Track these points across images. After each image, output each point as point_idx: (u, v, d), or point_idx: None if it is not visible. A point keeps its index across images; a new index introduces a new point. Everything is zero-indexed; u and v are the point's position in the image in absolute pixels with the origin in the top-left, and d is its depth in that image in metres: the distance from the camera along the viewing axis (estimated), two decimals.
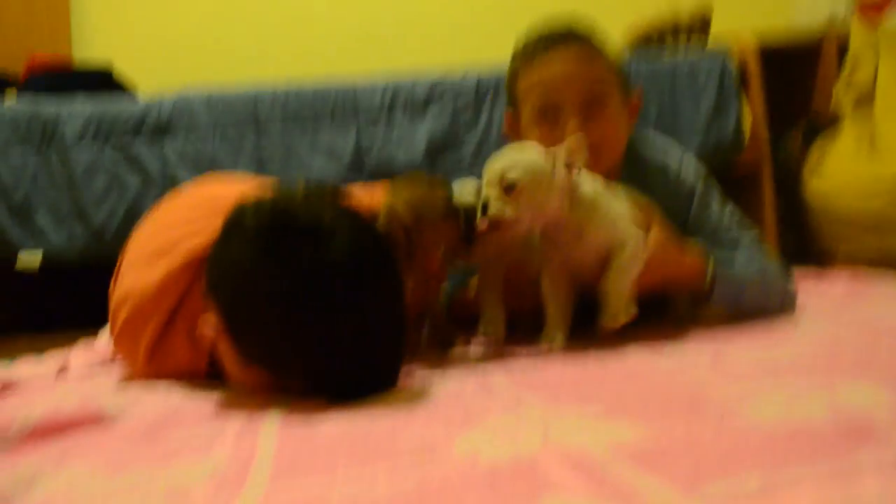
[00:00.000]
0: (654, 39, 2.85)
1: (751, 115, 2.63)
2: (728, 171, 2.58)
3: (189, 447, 0.81)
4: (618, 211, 1.23)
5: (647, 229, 1.26)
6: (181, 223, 1.23)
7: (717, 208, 1.46)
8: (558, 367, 1.08)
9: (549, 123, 1.39)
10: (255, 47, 3.44)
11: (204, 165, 2.49)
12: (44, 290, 2.78)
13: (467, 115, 2.58)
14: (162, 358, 1.21)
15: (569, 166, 1.18)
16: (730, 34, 2.77)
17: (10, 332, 2.42)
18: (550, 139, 1.37)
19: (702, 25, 2.88)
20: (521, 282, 1.32)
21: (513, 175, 1.15)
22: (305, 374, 0.98)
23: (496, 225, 1.16)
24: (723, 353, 1.06)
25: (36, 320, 2.61)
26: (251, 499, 0.64)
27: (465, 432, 0.78)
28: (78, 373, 1.43)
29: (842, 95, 2.69)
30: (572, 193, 1.19)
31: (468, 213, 1.18)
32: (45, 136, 2.48)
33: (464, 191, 1.23)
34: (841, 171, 2.58)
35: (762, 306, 1.38)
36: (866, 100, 2.60)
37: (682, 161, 1.49)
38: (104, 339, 1.62)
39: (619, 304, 1.17)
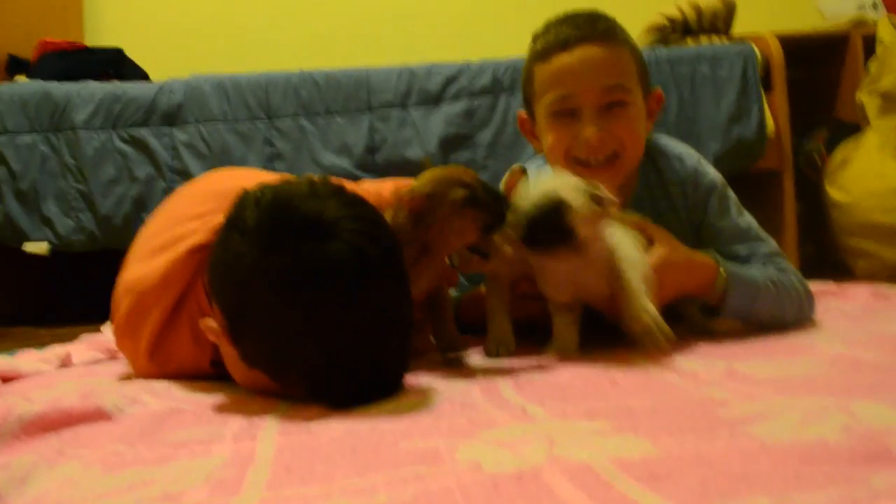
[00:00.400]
0: (673, 38, 2.83)
1: (773, 118, 2.60)
2: (747, 169, 2.57)
3: (186, 448, 0.81)
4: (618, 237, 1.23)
5: (650, 245, 1.26)
6: (187, 217, 1.23)
7: (734, 217, 1.44)
8: (566, 377, 1.07)
9: (566, 126, 1.37)
10: (267, 36, 3.44)
11: (214, 156, 2.49)
12: (50, 280, 2.79)
13: (482, 110, 2.57)
14: (165, 355, 1.21)
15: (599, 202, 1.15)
16: (752, 35, 2.74)
17: (14, 323, 2.43)
18: (566, 142, 1.36)
19: (724, 24, 2.85)
20: (531, 293, 1.31)
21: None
22: (305, 378, 0.98)
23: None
24: (736, 369, 1.05)
25: (41, 311, 2.63)
26: None
27: (468, 441, 0.77)
28: (79, 367, 1.43)
29: (866, 100, 2.66)
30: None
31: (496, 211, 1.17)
32: (55, 120, 2.50)
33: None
34: (862, 182, 2.55)
35: (777, 318, 1.36)
36: (892, 106, 2.57)
37: (699, 167, 1.46)
38: (107, 333, 1.63)
39: (637, 306, 1.16)
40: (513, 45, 2.51)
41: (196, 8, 3.48)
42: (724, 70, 2.58)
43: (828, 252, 2.76)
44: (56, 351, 1.50)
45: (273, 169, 2.46)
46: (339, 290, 0.93)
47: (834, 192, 2.65)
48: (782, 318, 1.37)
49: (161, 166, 2.49)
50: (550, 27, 1.41)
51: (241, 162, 2.49)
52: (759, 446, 0.69)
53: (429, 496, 0.62)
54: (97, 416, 0.98)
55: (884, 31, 2.67)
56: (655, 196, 1.45)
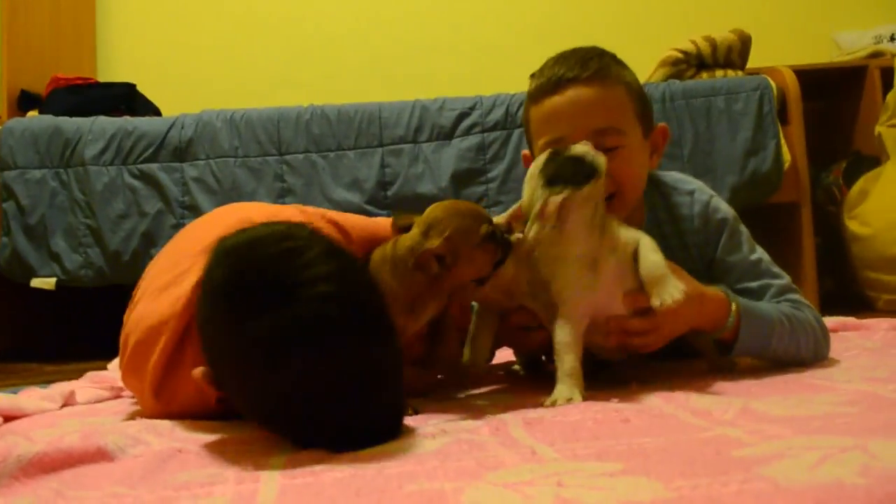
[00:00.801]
0: (688, 72, 2.84)
1: (789, 151, 2.60)
2: (763, 202, 2.56)
3: (188, 490, 0.81)
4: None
5: None
6: (193, 253, 1.23)
7: (746, 252, 1.43)
8: (577, 416, 1.06)
9: None
10: (278, 72, 3.49)
11: (224, 192, 2.51)
12: (55, 315, 2.80)
13: (495, 146, 2.58)
14: (170, 392, 1.20)
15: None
16: (768, 68, 2.75)
17: (18, 359, 2.44)
18: None
19: (739, 58, 2.86)
20: (526, 324, 1.31)
21: None
22: (285, 432, 0.99)
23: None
24: (751, 407, 1.03)
25: (46, 347, 2.64)
26: None
27: (475, 484, 0.76)
28: (83, 406, 1.43)
29: (885, 133, 2.65)
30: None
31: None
32: (65, 155, 2.52)
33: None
34: (882, 214, 2.54)
35: (792, 354, 1.35)
36: None
37: (711, 202, 1.46)
38: (112, 371, 1.63)
39: (663, 283, 1.17)
40: (524, 79, 2.54)
41: (208, 43, 3.54)
42: (739, 103, 2.59)
43: (847, 286, 2.74)
44: (60, 389, 1.50)
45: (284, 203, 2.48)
46: (302, 356, 0.92)
47: (853, 226, 2.64)
48: (797, 354, 1.35)
49: (170, 202, 2.51)
50: (545, 68, 1.40)
51: (251, 197, 2.50)
52: (774, 488, 0.68)
53: None
54: (98, 456, 0.97)
55: None
56: (665, 232, 1.44)
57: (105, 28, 3.52)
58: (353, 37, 3.55)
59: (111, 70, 3.46)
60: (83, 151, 2.52)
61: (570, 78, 1.34)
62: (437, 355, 1.31)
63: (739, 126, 2.58)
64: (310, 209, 1.39)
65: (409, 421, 1.11)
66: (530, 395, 1.24)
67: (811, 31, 3.40)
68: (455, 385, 1.38)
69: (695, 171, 2.41)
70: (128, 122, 2.60)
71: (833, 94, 3.02)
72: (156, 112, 3.00)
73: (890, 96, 2.67)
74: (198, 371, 1.03)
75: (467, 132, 2.60)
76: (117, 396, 1.53)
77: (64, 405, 1.44)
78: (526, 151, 1.52)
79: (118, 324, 1.28)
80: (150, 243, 2.47)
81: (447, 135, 2.59)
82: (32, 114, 2.80)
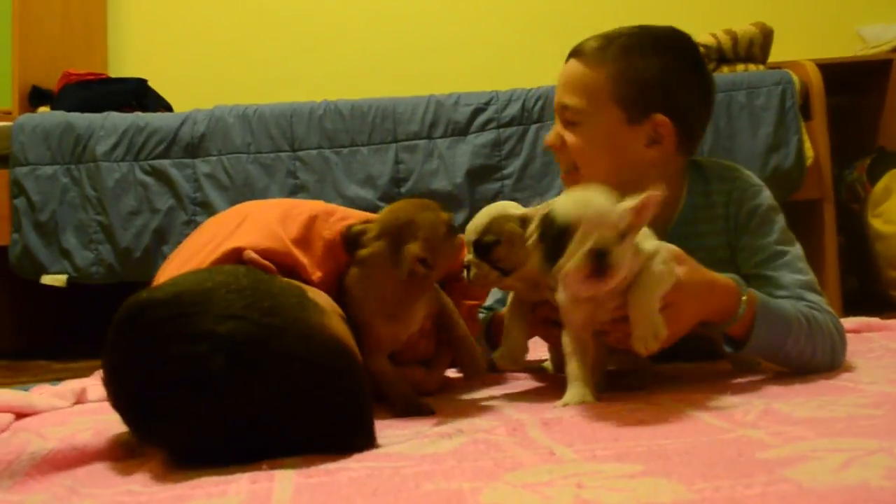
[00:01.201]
0: (707, 65, 2.82)
1: (812, 147, 2.58)
2: (785, 199, 2.55)
3: (202, 489, 0.81)
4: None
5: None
6: (202, 256, 1.23)
7: (773, 241, 1.41)
8: (596, 417, 1.06)
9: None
10: (290, 67, 3.49)
11: (236, 188, 2.52)
12: (66, 313, 2.82)
13: (511, 141, 2.58)
14: None
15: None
16: (791, 62, 2.74)
17: (29, 357, 2.46)
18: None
19: (761, 51, 2.84)
20: (552, 318, 1.30)
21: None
22: None
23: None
24: (773, 409, 1.03)
25: (56, 345, 2.66)
26: None
27: (493, 484, 0.77)
28: (95, 403, 1.44)
29: None
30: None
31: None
32: (76, 152, 2.54)
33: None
34: None
35: (807, 357, 1.30)
36: None
37: (749, 191, 1.44)
38: None
39: (647, 326, 1.11)
40: (540, 74, 2.53)
41: (220, 38, 3.55)
42: (761, 98, 2.57)
43: (871, 285, 2.73)
44: (71, 386, 1.51)
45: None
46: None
47: (877, 224, 2.62)
48: (812, 358, 1.30)
49: (182, 198, 2.52)
50: None
51: (263, 194, 2.51)
52: (798, 490, 0.67)
53: None
54: (112, 454, 0.98)
55: None
56: (698, 217, 1.44)
57: (116, 23, 3.54)
58: (366, 31, 3.55)
59: (122, 65, 3.48)
60: (95, 148, 2.53)
61: (573, 51, 1.45)
62: (454, 346, 1.32)
63: (761, 121, 2.56)
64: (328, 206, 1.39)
65: (425, 421, 1.11)
66: (547, 395, 1.25)
67: (835, 25, 3.38)
68: (471, 377, 1.38)
69: None
70: (139, 117, 2.62)
71: (857, 88, 3.00)
72: (167, 107, 3.02)
73: None
74: None
75: (483, 128, 2.59)
76: None
77: (76, 403, 1.45)
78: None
79: None
80: (162, 240, 2.49)
81: (462, 130, 2.59)
82: (44, 109, 2.81)
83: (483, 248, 1.24)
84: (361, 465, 0.87)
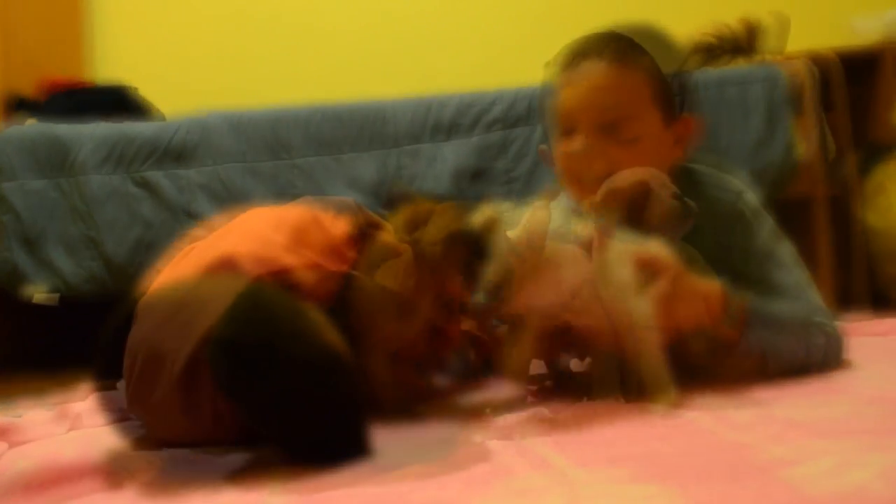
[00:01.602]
0: (723, 58, 2.81)
1: (804, 140, 2.57)
2: (776, 195, 2.54)
3: None
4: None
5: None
6: (202, 278, 1.23)
7: (760, 240, 1.40)
8: (589, 420, 1.06)
9: (566, 146, 1.37)
10: (277, 69, 3.48)
11: (229, 197, 2.50)
12: (56, 328, 2.80)
13: (517, 144, 2.56)
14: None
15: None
16: (804, 52, 2.71)
17: (20, 376, 2.44)
18: (573, 171, 1.37)
19: (775, 42, 2.82)
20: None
21: None
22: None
23: None
24: (767, 411, 1.02)
25: (45, 359, 2.64)
26: None
27: (484, 492, 0.77)
28: (90, 430, 1.43)
29: None
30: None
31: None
32: (63, 164, 2.52)
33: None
34: None
35: (800, 363, 1.28)
36: None
37: (741, 193, 1.44)
38: (122, 392, 1.61)
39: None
40: (531, 73, 2.53)
41: (206, 40, 3.53)
42: (751, 93, 2.56)
43: (865, 281, 2.72)
44: (66, 411, 1.49)
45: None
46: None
47: (870, 218, 2.62)
48: (805, 360, 1.28)
49: (176, 210, 2.50)
50: (560, 57, 1.41)
51: (258, 203, 2.49)
52: (794, 493, 0.67)
53: None
54: (106, 483, 0.97)
55: None
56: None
57: (101, 28, 3.52)
58: (361, 30, 3.52)
59: (109, 72, 3.45)
60: (84, 160, 2.51)
61: (585, 68, 1.35)
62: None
63: (750, 116, 2.54)
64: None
65: (416, 428, 1.11)
66: (541, 401, 1.24)
67: (825, 15, 3.36)
68: (463, 382, 1.38)
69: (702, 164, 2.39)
70: (129, 127, 2.59)
71: (847, 77, 2.97)
72: (158, 116, 3.01)
73: None
74: None
75: (488, 130, 2.57)
76: (125, 420, 1.52)
77: (70, 429, 1.44)
78: (543, 146, 1.52)
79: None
80: (148, 252, 2.47)
81: (466, 133, 2.56)
82: (31, 121, 2.79)
83: None
84: (365, 490, 0.85)
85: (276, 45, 3.53)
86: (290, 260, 1.20)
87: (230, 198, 2.49)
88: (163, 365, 1.15)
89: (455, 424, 1.13)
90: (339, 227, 1.26)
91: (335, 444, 0.97)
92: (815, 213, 2.59)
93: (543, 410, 1.20)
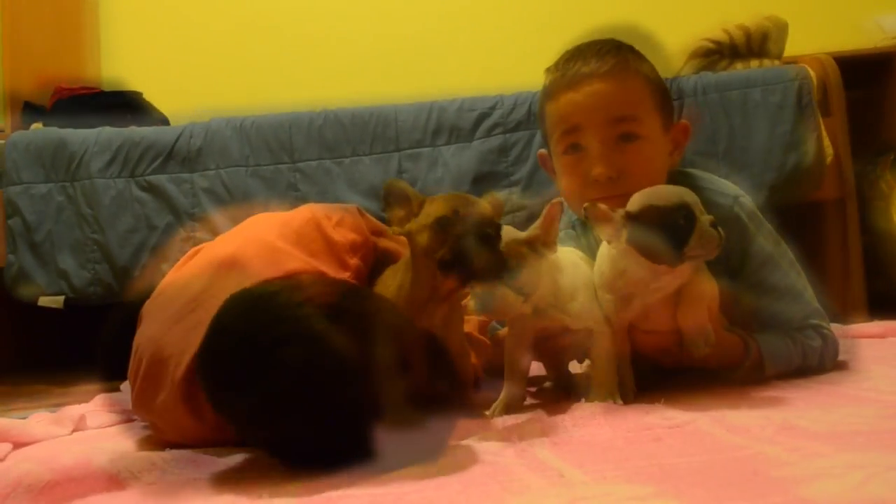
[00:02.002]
0: (721, 63, 2.80)
1: (831, 144, 2.55)
2: (804, 199, 2.53)
3: None
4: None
5: None
6: (204, 278, 1.24)
7: (758, 243, 1.42)
8: (607, 435, 1.05)
9: (576, 166, 1.39)
10: (280, 74, 3.50)
11: (236, 202, 2.52)
12: (63, 333, 2.82)
13: (518, 147, 2.57)
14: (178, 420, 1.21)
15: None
16: (805, 56, 2.71)
17: (26, 380, 2.46)
18: (577, 186, 1.39)
19: (776, 46, 2.82)
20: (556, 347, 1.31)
21: None
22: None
23: None
24: (791, 422, 1.02)
25: (55, 367, 2.66)
26: None
27: (483, 494, 0.77)
28: (94, 431, 1.44)
29: None
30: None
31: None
32: (71, 169, 2.54)
33: None
34: None
35: (798, 365, 1.37)
36: None
37: (738, 198, 1.45)
38: (126, 394, 1.63)
39: (699, 333, 1.22)
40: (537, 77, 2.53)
41: (210, 45, 3.56)
42: (777, 95, 2.55)
43: (863, 284, 2.68)
44: (69, 413, 1.51)
45: None
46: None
47: (882, 221, 2.59)
48: (802, 363, 1.37)
49: (181, 214, 2.52)
50: (560, 62, 1.43)
51: (263, 208, 2.50)
52: (788, 495, 0.67)
53: None
54: (111, 484, 0.98)
55: None
56: None
57: (106, 34, 3.56)
58: (359, 37, 3.55)
59: (114, 78, 3.48)
60: (89, 164, 2.54)
61: (588, 73, 1.37)
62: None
63: (777, 119, 2.54)
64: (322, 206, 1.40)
65: (429, 442, 1.11)
66: (554, 413, 1.24)
67: (852, 15, 3.35)
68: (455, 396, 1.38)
69: (730, 167, 2.38)
70: (134, 132, 2.62)
71: (873, 81, 2.96)
72: (162, 120, 3.03)
73: None
74: None
75: (488, 133, 2.58)
76: (129, 421, 1.54)
77: (74, 430, 1.45)
78: (542, 151, 1.53)
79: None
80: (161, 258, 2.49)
81: (467, 137, 2.58)
82: (37, 126, 2.82)
83: None
84: (363, 491, 0.87)
85: (278, 49, 3.55)
86: (293, 265, 1.22)
87: (234, 201, 2.51)
88: (167, 367, 1.16)
89: (468, 437, 1.12)
90: (341, 233, 1.27)
91: (331, 450, 0.98)
92: (846, 216, 2.56)
93: (542, 412, 1.21)
